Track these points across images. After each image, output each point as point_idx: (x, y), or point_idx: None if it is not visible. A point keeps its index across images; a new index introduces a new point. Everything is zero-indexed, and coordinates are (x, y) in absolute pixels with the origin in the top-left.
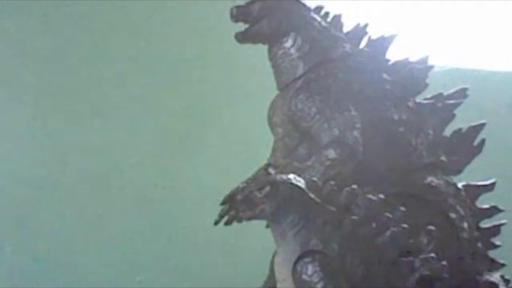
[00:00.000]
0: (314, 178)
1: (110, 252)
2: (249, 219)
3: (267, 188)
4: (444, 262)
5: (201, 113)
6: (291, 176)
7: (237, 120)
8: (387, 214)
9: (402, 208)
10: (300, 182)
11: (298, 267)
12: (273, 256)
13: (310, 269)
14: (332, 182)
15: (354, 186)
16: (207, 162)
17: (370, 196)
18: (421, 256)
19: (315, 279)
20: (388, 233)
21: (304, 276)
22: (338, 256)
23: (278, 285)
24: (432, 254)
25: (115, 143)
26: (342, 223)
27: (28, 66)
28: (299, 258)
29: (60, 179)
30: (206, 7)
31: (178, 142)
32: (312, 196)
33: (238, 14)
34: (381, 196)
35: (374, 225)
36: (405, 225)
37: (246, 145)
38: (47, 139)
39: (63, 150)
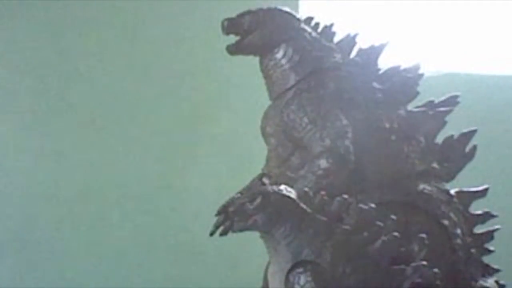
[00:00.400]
0: (306, 189)
1: (110, 262)
2: (241, 230)
3: (259, 200)
4: (436, 269)
5: (195, 122)
6: (282, 187)
7: (232, 128)
8: (378, 223)
9: (393, 217)
10: (291, 193)
11: (291, 278)
12: (267, 267)
13: (302, 279)
14: (323, 192)
15: (345, 196)
16: (205, 169)
17: (361, 205)
18: (413, 264)
19: None
20: (379, 241)
21: (296, 286)
22: (330, 266)
23: None
24: (424, 262)
25: (111, 153)
26: (334, 232)
27: (23, 76)
28: (292, 269)
29: (58, 189)
30: (200, 17)
31: (176, 151)
32: (304, 206)
33: (229, 27)
34: (372, 205)
35: (365, 234)
36: (396, 234)
37: (241, 154)
38: (44, 148)
39: (60, 160)
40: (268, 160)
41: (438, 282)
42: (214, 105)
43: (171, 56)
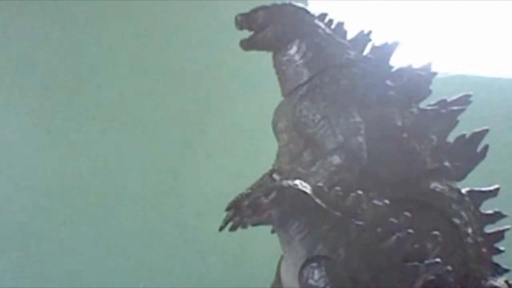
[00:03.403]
0: (320, 184)
1: (114, 258)
2: (255, 224)
3: (274, 194)
4: (449, 267)
5: (204, 118)
6: (297, 181)
7: (240, 124)
8: (392, 219)
9: (407, 213)
10: (306, 188)
11: (305, 272)
12: (280, 261)
13: (316, 274)
14: (338, 188)
15: (360, 192)
16: (211, 166)
17: (376, 201)
18: (426, 261)
19: (321, 284)
20: (393, 238)
21: (310, 281)
22: (344, 261)
23: None
24: (437, 259)
25: (118, 148)
26: (348, 228)
27: (30, 72)
28: (306, 263)
29: (63, 185)
30: (210, 11)
31: (181, 147)
32: (318, 201)
33: (242, 22)
34: (386, 201)
35: (379, 230)
36: (410, 230)
37: (250, 150)
38: (50, 145)
39: (66, 156)
40: (279, 156)
41: (451, 280)
42: (221, 102)
43: (178, 52)
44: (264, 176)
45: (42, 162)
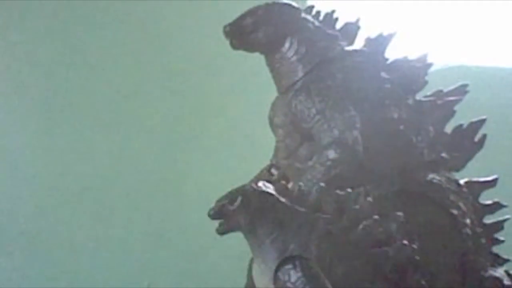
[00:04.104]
0: (283, 182)
1: (118, 258)
2: (224, 233)
3: (239, 200)
4: (415, 246)
5: (202, 115)
6: (260, 183)
7: (239, 121)
8: (355, 206)
9: (370, 199)
10: (270, 188)
11: (280, 275)
12: (249, 268)
13: (293, 275)
14: (301, 183)
15: (322, 184)
16: (211, 164)
17: (337, 191)
18: (394, 245)
19: (300, 285)
20: (360, 227)
21: (288, 284)
22: (317, 258)
23: None
24: (405, 241)
25: (119, 149)
26: (316, 223)
27: (33, 74)
28: (280, 266)
29: (65, 186)
30: (208, 11)
31: (180, 146)
32: (283, 200)
33: (232, 31)
34: (349, 189)
35: (345, 220)
36: (376, 217)
37: (248, 146)
38: (52, 146)
39: (68, 157)
40: (276, 151)
41: (417, 258)
42: (221, 102)
43: (178, 53)
44: (262, 170)
45: (44, 164)
